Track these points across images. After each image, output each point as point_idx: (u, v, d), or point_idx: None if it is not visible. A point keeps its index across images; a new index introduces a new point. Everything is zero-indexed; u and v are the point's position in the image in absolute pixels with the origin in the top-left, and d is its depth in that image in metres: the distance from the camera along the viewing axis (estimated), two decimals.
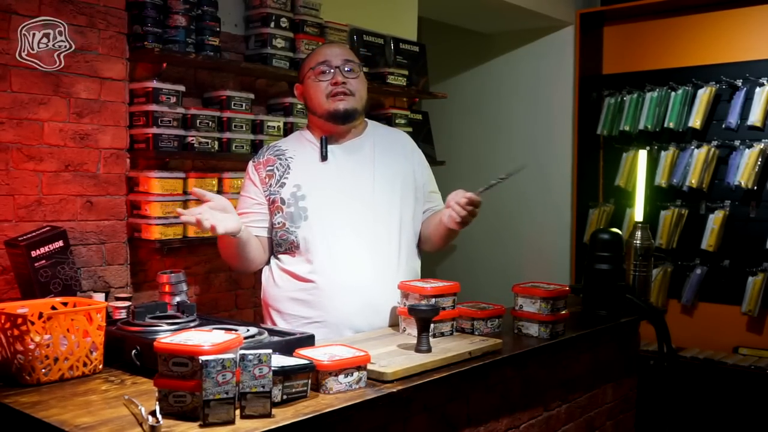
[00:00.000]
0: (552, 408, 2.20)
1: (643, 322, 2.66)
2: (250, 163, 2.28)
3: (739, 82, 4.27)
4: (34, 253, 2.31)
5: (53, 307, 1.78)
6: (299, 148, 2.25)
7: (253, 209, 2.22)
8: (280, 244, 2.21)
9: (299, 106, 3.28)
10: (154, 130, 2.76)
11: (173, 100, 2.83)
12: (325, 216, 2.14)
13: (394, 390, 1.62)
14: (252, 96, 3.12)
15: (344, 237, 2.15)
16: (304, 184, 2.17)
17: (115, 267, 2.79)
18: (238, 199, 2.31)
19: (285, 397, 1.49)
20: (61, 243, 2.40)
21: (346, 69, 2.19)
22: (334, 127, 2.21)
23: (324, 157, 2.20)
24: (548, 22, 4.91)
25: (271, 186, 2.20)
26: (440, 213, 2.24)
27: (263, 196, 2.21)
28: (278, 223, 2.19)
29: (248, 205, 2.23)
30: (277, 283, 2.21)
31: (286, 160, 2.22)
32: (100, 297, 2.34)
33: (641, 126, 4.55)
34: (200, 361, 1.35)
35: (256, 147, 3.06)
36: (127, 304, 2.10)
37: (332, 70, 2.18)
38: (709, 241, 4.30)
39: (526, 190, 5.15)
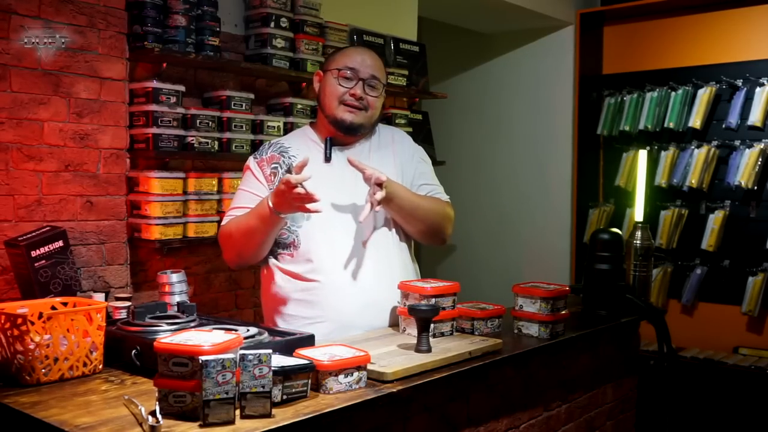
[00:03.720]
0: (552, 408, 2.20)
1: (643, 322, 2.66)
2: (252, 160, 2.27)
3: (739, 82, 4.27)
4: (34, 253, 2.31)
5: (53, 307, 1.77)
6: (302, 147, 2.24)
7: (254, 205, 2.20)
8: (279, 243, 2.20)
9: (299, 106, 3.28)
10: (154, 130, 2.76)
11: (173, 100, 2.83)
12: (327, 216, 2.13)
13: (394, 390, 1.62)
14: (252, 96, 3.12)
15: (346, 237, 2.15)
16: (306, 184, 2.16)
17: (115, 267, 2.79)
18: (236, 192, 2.29)
19: (285, 397, 1.49)
20: (61, 243, 2.40)
21: (369, 84, 2.17)
22: (337, 132, 2.21)
23: (328, 158, 2.20)
24: (548, 22, 4.91)
25: (274, 184, 2.19)
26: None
27: (267, 193, 2.20)
28: None
29: (250, 201, 2.20)
30: (277, 283, 2.21)
31: (289, 158, 2.22)
32: (100, 297, 2.34)
33: (641, 126, 4.55)
34: (200, 361, 1.35)
35: (256, 147, 3.05)
36: (127, 304, 2.10)
37: (356, 81, 2.16)
38: (709, 241, 4.30)
39: (526, 190, 5.15)
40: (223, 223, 2.26)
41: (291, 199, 1.96)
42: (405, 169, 2.28)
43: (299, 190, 1.93)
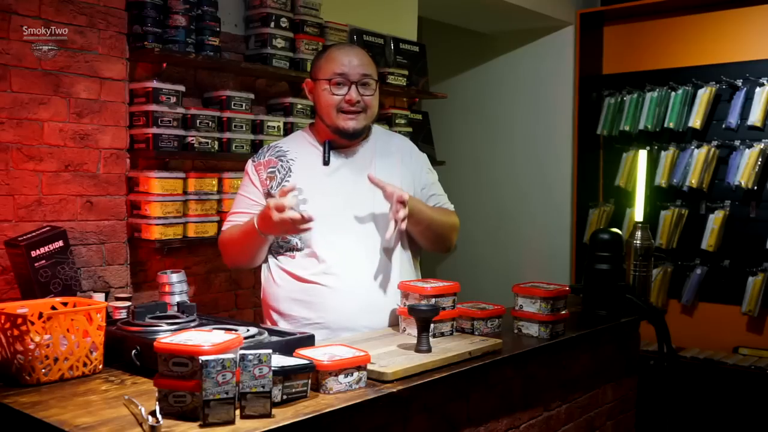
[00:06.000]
0: (552, 408, 2.20)
1: (643, 322, 2.66)
2: (250, 163, 2.27)
3: (739, 82, 4.27)
4: (34, 253, 2.31)
5: (53, 307, 1.77)
6: (301, 151, 2.24)
7: (252, 210, 2.20)
8: (281, 246, 2.20)
9: (299, 106, 3.28)
10: (154, 130, 2.76)
11: (173, 100, 2.83)
12: (327, 220, 2.13)
13: (394, 390, 1.62)
14: (252, 96, 3.12)
15: (345, 240, 2.15)
16: (306, 188, 2.16)
17: (115, 267, 2.79)
18: (235, 197, 2.31)
19: (285, 397, 1.49)
20: (61, 243, 2.40)
21: (362, 84, 2.15)
22: (339, 138, 2.20)
23: (326, 162, 2.20)
24: (548, 22, 4.91)
25: (272, 188, 2.19)
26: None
27: (263, 198, 2.20)
28: None
29: (247, 206, 2.22)
30: (277, 283, 2.21)
31: (287, 162, 2.22)
32: (100, 297, 2.34)
33: (641, 126, 4.55)
34: (200, 361, 1.35)
35: (256, 147, 3.05)
36: (127, 304, 2.10)
37: (348, 86, 2.14)
38: (709, 241, 4.30)
39: (526, 190, 5.15)
40: (223, 228, 2.28)
41: (281, 222, 1.97)
42: (416, 179, 2.30)
43: (290, 214, 1.94)
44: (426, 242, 2.29)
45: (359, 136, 2.21)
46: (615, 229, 2.51)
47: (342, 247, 2.14)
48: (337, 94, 2.14)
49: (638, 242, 2.70)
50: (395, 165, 2.28)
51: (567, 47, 4.92)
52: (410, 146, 2.41)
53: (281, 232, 2.06)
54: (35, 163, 2.54)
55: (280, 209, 1.95)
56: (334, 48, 2.22)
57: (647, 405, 2.87)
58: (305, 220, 1.96)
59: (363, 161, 2.23)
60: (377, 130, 2.35)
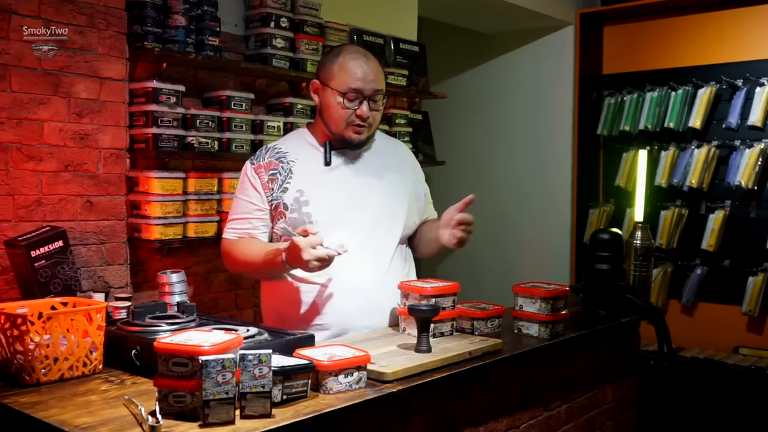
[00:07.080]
0: (552, 408, 2.20)
1: (643, 322, 2.66)
2: (249, 165, 2.23)
3: (739, 82, 4.27)
4: (33, 253, 2.31)
5: (53, 307, 1.78)
6: (300, 151, 2.23)
7: (254, 215, 2.19)
8: None
9: (299, 106, 3.28)
10: (154, 130, 2.76)
11: (173, 100, 2.83)
12: (329, 222, 2.13)
13: (394, 390, 1.62)
14: (252, 96, 3.12)
15: (347, 240, 2.14)
16: (307, 190, 2.16)
17: (115, 267, 2.79)
18: (233, 200, 2.28)
19: (285, 397, 1.49)
20: (60, 243, 2.40)
21: (373, 99, 2.14)
22: (344, 147, 2.20)
23: (328, 162, 2.19)
24: (548, 22, 4.91)
25: (273, 191, 2.18)
26: (435, 227, 2.26)
27: (266, 202, 2.19)
28: (281, 229, 2.18)
29: (249, 210, 2.20)
30: (277, 285, 2.21)
31: (288, 163, 2.20)
32: (100, 297, 2.34)
33: (641, 126, 4.55)
34: (200, 361, 1.35)
35: (256, 147, 3.05)
36: (127, 304, 2.10)
37: (361, 100, 2.12)
38: (709, 241, 4.30)
39: (526, 190, 5.15)
40: (225, 234, 2.25)
41: (316, 259, 1.93)
42: (417, 188, 2.35)
43: (325, 251, 1.93)
44: (420, 253, 2.36)
45: (362, 146, 2.22)
46: (615, 229, 2.51)
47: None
48: (348, 108, 2.13)
49: (638, 242, 2.70)
50: (398, 167, 2.30)
51: (567, 47, 4.92)
52: (408, 151, 2.46)
53: (312, 269, 1.99)
54: (35, 163, 2.54)
55: (315, 246, 1.93)
56: (349, 56, 2.15)
57: (647, 405, 2.87)
58: (336, 255, 1.96)
59: (364, 161, 2.23)
60: (377, 133, 2.35)
